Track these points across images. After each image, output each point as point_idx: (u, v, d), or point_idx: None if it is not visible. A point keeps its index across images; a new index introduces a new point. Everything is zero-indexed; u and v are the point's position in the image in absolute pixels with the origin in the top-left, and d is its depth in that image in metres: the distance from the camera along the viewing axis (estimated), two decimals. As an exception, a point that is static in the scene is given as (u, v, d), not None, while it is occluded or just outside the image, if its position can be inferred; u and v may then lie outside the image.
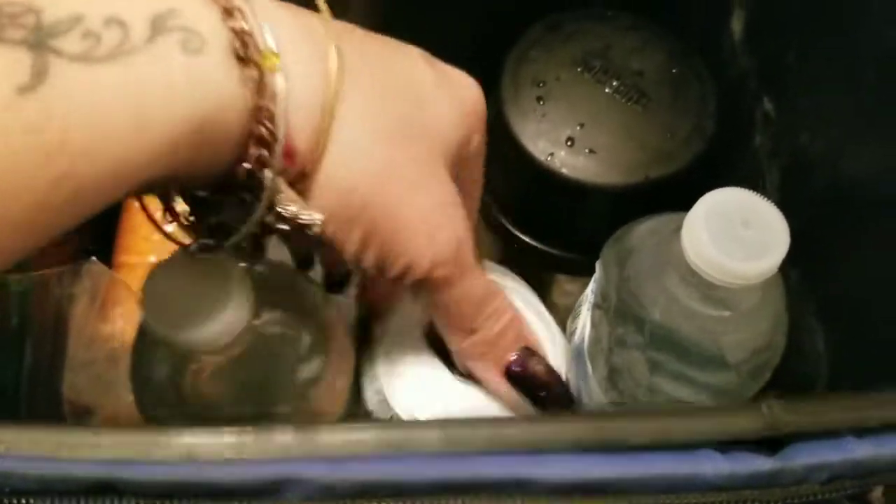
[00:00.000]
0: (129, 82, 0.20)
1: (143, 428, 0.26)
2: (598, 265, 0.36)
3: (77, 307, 0.38)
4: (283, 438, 0.19)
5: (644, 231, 0.35)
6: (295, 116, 0.24)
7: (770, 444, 0.21)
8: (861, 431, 0.21)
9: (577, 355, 0.36)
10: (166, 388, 0.32)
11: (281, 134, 0.23)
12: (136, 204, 0.28)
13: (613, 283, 0.34)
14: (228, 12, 0.22)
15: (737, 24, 0.43)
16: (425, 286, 0.30)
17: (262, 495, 0.19)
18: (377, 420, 0.34)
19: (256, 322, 0.29)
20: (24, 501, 0.19)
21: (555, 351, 0.35)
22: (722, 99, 0.42)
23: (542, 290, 0.45)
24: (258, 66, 0.22)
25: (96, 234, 0.44)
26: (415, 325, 0.36)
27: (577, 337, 0.38)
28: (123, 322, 0.43)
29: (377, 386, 0.35)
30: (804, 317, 0.36)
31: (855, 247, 0.34)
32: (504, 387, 0.32)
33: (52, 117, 0.18)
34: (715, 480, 0.20)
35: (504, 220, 0.44)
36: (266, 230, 0.26)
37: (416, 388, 0.34)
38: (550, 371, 0.33)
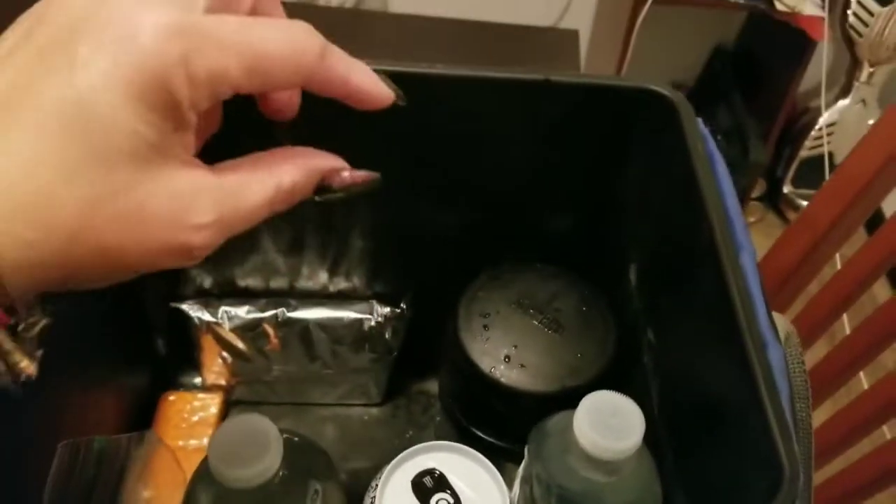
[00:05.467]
0: None
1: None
2: (525, 449, 0.49)
3: (133, 470, 0.48)
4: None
5: (555, 423, 0.48)
6: None
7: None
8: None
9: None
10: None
11: None
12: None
13: (534, 459, 0.47)
14: None
15: (632, 274, 0.56)
16: None
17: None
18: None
19: (284, 472, 0.40)
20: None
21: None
22: (621, 329, 0.55)
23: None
24: None
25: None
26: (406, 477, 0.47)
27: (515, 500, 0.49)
28: (159, 490, 0.52)
29: (372, 495, 0.45)
30: (677, 494, 0.45)
31: (706, 443, 0.44)
32: None
33: None
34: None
35: (461, 418, 0.57)
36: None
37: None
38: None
